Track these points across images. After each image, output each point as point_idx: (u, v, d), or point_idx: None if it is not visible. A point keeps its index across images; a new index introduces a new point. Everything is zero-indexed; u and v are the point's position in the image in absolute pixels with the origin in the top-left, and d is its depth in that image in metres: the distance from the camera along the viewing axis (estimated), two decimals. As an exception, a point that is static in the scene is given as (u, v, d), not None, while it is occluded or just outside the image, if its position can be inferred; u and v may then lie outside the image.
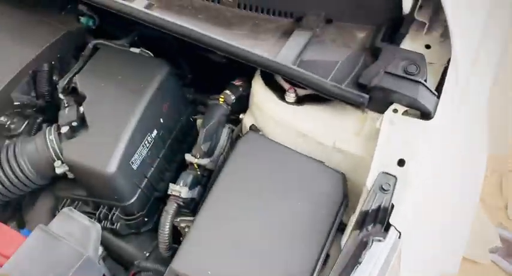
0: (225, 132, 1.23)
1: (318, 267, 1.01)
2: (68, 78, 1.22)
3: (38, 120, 1.34)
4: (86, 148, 1.10)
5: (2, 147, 1.19)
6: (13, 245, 1.02)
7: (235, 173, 1.08)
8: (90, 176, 1.10)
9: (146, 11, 1.11)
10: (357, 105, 1.06)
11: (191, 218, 1.19)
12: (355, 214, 1.03)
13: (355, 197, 1.11)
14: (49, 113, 1.37)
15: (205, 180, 1.19)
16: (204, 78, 1.55)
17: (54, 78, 1.32)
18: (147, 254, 1.19)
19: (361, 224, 0.96)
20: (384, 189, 0.96)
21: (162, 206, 1.25)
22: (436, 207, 0.99)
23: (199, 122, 1.34)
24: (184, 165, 1.29)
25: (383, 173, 0.98)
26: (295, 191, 1.07)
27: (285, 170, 1.09)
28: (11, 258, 0.97)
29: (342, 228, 1.08)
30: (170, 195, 1.10)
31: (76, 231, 1.01)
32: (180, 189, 1.09)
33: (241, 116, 1.32)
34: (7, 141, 1.29)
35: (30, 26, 1.30)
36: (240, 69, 1.41)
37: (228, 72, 1.50)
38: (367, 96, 1.04)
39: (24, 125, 1.32)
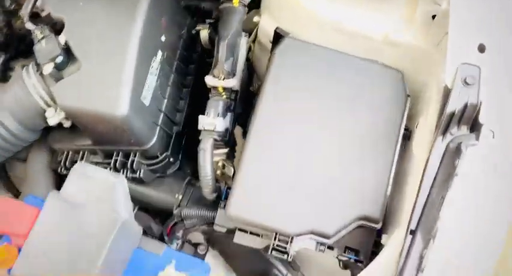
0: (244, 42, 1.00)
1: (391, 181, 0.88)
2: (32, 1, 0.92)
3: (1, 59, 1.06)
4: (85, 89, 0.86)
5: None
6: (26, 220, 0.83)
7: (279, 90, 0.89)
8: (97, 123, 0.88)
9: None
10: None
11: (225, 150, 1.02)
12: (426, 116, 0.88)
13: (413, 97, 0.95)
14: (11, 49, 1.09)
15: (234, 104, 0.99)
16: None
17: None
18: (180, 197, 1.02)
19: (445, 128, 0.81)
20: (467, 83, 0.80)
21: (184, 141, 1.06)
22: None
23: (203, 33, 1.09)
24: (196, 90, 1.09)
25: (463, 63, 0.81)
26: (352, 98, 0.90)
27: (336, 77, 0.90)
28: (29, 239, 0.78)
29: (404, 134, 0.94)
30: (203, 130, 0.91)
31: (98, 191, 0.81)
32: (213, 122, 0.90)
33: (255, 18, 1.08)
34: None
35: None
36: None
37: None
38: (430, -31, 0.83)
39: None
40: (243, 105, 1.10)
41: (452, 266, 0.73)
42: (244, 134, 1.27)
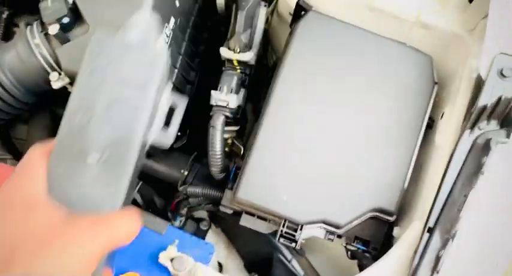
0: (262, 13, 0.93)
1: (410, 173, 0.83)
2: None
3: (4, 15, 1.01)
4: (91, 54, 0.80)
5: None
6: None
7: (298, 68, 0.83)
8: (103, 91, 0.83)
9: None
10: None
11: (235, 128, 0.97)
12: (453, 106, 0.83)
13: (440, 84, 0.89)
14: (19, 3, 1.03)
15: (248, 79, 0.93)
16: None
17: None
18: (186, 173, 0.98)
19: (474, 122, 0.76)
20: (503, 76, 0.75)
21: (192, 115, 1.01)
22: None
23: (219, 0, 1.02)
24: (208, 60, 1.03)
25: (501, 53, 0.75)
26: (376, 81, 0.84)
27: (361, 57, 0.84)
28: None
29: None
30: (214, 106, 0.85)
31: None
32: (226, 98, 0.84)
33: (277, -12, 1.01)
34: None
35: None
36: None
37: None
38: None
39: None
40: (255, 80, 1.05)
41: (468, 270, 0.69)
42: (254, 110, 1.22)
